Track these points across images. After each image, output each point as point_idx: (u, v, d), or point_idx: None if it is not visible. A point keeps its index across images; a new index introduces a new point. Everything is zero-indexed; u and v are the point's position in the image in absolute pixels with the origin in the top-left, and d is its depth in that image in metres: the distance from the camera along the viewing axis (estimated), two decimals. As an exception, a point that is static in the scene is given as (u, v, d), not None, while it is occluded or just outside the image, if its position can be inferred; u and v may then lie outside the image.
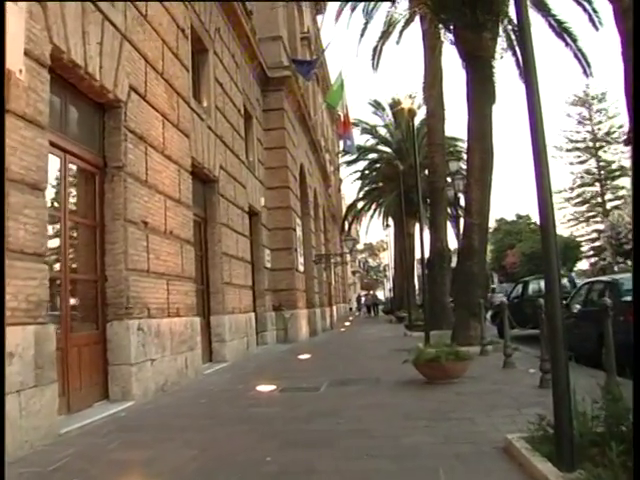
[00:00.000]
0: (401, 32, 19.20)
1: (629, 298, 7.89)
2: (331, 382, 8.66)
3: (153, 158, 8.71)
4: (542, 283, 15.80)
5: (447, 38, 14.28)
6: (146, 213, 8.29)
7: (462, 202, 24.06)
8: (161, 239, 8.81)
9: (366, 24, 20.73)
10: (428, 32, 17.72)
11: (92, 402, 7.08)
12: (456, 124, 21.35)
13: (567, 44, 14.61)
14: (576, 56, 14.75)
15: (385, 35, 19.34)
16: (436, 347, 9.16)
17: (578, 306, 10.89)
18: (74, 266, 7.32)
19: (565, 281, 16.73)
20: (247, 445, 5.05)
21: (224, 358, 11.89)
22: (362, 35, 21.19)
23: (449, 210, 23.43)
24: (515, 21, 16.13)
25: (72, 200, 7.29)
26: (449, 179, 18.64)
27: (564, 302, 11.15)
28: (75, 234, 7.45)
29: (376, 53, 20.11)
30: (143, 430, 5.87)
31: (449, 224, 28.07)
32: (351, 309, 44.55)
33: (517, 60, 15.69)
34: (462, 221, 19.05)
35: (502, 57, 15.09)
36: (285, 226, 18.18)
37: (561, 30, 14.49)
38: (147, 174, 8.42)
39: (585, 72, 14.65)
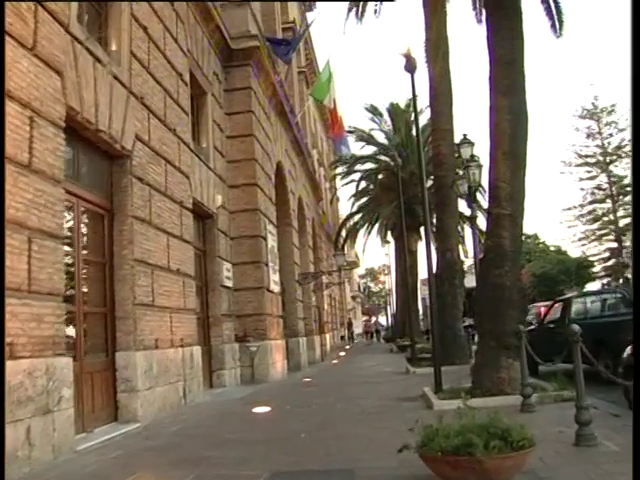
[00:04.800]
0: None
1: None
2: (271, 478, 4.75)
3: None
4: (591, 302, 11.91)
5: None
6: None
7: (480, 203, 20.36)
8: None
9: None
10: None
11: None
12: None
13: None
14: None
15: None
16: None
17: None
18: None
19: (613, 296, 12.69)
20: None
21: (135, 416, 7.95)
22: (350, 10, 17.59)
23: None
24: None
25: None
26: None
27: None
28: None
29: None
30: None
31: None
32: (342, 337, 39.07)
33: (548, 7, 12.01)
34: (475, 229, 15.22)
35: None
36: (252, 234, 14.28)
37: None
38: None
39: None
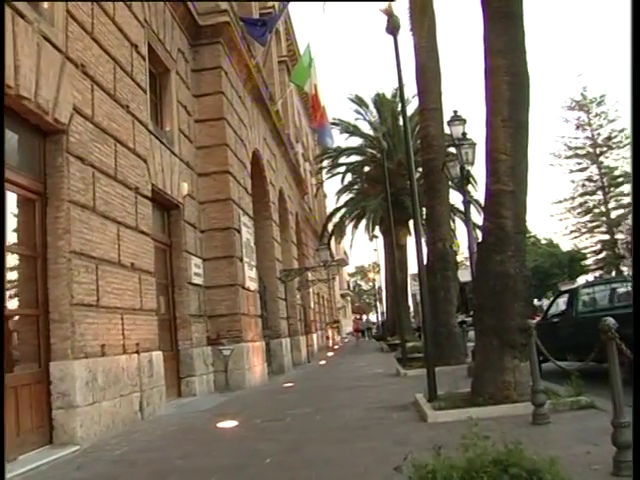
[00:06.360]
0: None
1: None
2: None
3: None
4: (599, 293, 10.73)
5: None
6: None
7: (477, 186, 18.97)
8: None
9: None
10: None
11: None
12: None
13: None
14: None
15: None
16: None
17: None
18: None
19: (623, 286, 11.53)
20: None
21: (73, 438, 6.69)
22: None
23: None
24: None
25: None
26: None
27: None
28: None
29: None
30: None
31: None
32: (327, 337, 37.60)
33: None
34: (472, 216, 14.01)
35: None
36: (224, 226, 13.00)
37: None
38: None
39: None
